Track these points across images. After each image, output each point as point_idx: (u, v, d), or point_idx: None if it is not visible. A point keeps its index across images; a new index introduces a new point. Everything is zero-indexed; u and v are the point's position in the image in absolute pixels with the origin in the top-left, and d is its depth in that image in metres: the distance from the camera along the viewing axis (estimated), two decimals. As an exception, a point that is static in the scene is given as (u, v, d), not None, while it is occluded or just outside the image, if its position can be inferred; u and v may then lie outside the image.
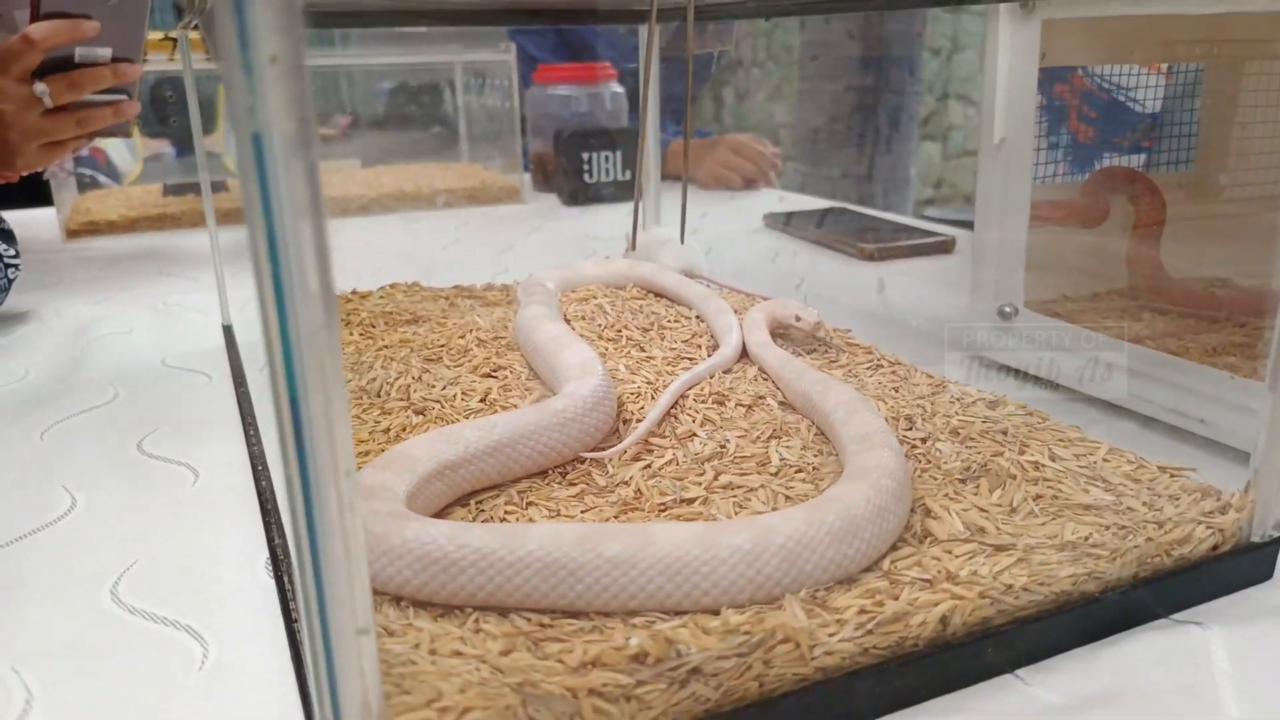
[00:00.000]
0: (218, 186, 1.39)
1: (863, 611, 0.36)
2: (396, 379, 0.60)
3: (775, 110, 3.78)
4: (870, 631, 0.35)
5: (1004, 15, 0.63)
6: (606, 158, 1.44)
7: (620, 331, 0.68)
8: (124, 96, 0.92)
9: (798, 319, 0.65)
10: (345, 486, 0.26)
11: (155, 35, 1.26)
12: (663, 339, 0.67)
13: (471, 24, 0.98)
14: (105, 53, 0.87)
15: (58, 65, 0.86)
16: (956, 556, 0.40)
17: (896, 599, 0.37)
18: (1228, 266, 0.73)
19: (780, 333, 0.67)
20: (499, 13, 0.93)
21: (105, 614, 0.43)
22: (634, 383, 0.58)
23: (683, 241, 0.90)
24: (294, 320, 0.24)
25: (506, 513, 0.45)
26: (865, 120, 2.62)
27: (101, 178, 1.70)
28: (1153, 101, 0.86)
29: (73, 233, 1.30)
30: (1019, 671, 0.38)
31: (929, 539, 0.41)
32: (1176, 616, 0.41)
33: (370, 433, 0.54)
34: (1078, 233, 0.76)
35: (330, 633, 0.27)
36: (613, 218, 1.37)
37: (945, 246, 1.09)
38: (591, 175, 1.45)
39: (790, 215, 1.29)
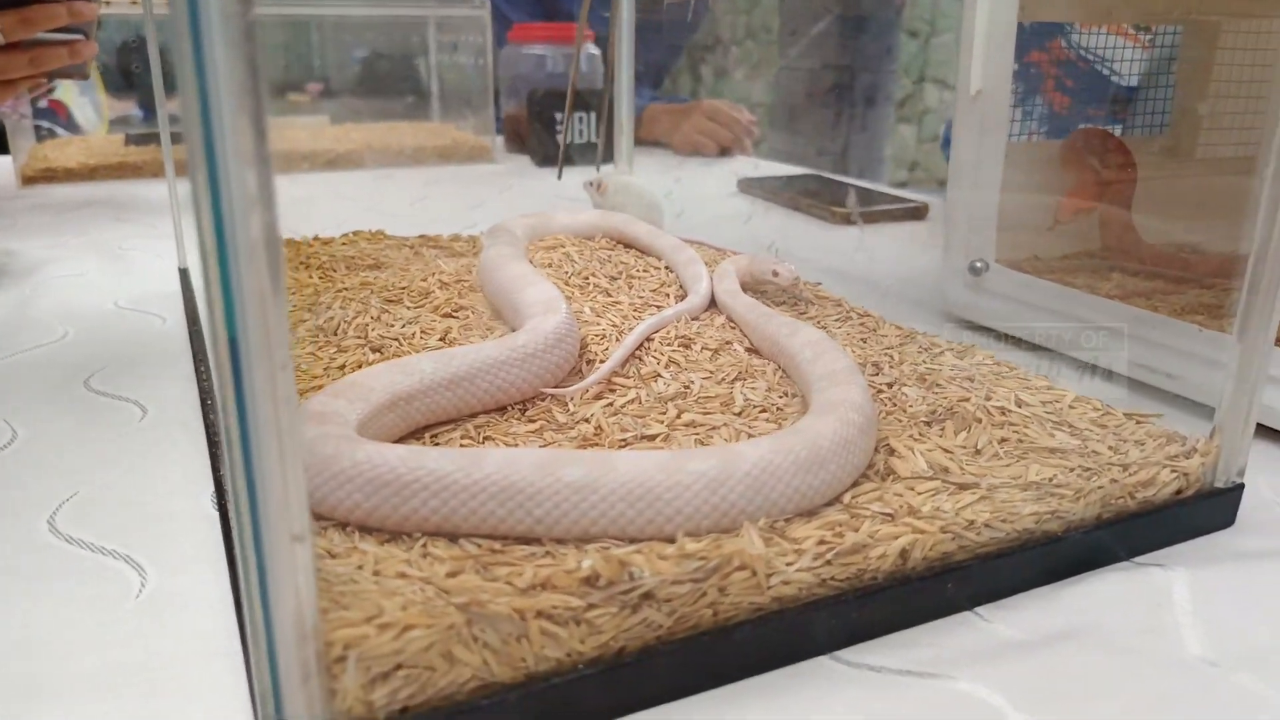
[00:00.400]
0: (180, 138, 1.36)
1: (822, 542, 0.35)
2: (354, 318, 0.58)
3: (754, 89, 3.76)
4: (829, 562, 0.35)
5: (984, -38, 0.62)
6: (580, 118, 1.41)
7: (588, 279, 0.67)
8: (80, 36, 0.89)
9: (775, 274, 0.64)
10: (282, 380, 0.24)
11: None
12: (630, 288, 0.66)
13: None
14: None
15: (10, 1, 0.83)
16: (919, 493, 0.39)
17: (856, 531, 0.36)
18: (1199, 231, 0.72)
19: (753, 287, 0.66)
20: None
21: (42, 543, 0.42)
22: (599, 325, 0.56)
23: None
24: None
25: (462, 446, 0.44)
26: (841, 98, 2.61)
27: (60, 131, 1.66)
28: (1131, 75, 0.86)
29: (29, 179, 1.27)
30: (979, 609, 0.38)
31: (892, 476, 0.40)
32: (1139, 559, 0.41)
33: (325, 369, 0.52)
34: (1054, 194, 0.75)
35: (262, 538, 0.25)
36: (583, 178, 1.35)
37: (919, 212, 1.09)
38: (567, 137, 1.42)
39: (765, 180, 1.27)
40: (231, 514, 0.26)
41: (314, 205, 1.06)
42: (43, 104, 1.60)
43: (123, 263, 0.90)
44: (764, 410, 0.47)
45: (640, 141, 1.64)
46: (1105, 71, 0.89)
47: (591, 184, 0.85)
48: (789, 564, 0.34)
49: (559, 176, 0.89)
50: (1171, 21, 0.76)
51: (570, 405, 0.47)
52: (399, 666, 0.29)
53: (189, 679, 0.33)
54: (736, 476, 0.36)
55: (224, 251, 0.23)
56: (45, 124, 1.64)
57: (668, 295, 0.64)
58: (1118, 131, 0.89)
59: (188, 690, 0.33)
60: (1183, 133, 0.78)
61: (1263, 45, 0.69)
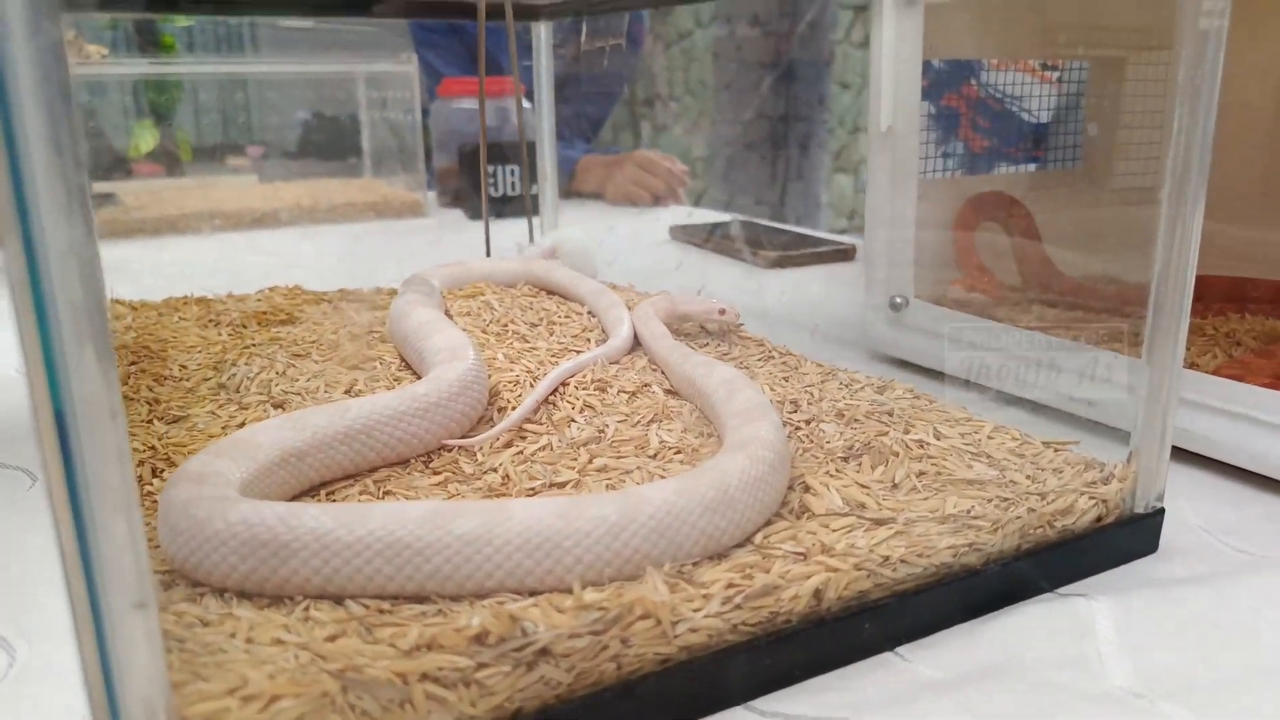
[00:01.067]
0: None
1: (730, 585, 0.33)
2: (258, 374, 0.56)
3: (692, 143, 3.82)
4: (739, 606, 0.33)
5: (888, 2, 0.63)
6: (511, 171, 1.41)
7: (506, 326, 0.65)
8: None
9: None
10: (113, 430, 0.22)
11: None
12: (550, 334, 0.64)
13: (355, 14, 0.95)
14: None
15: None
16: (833, 530, 0.37)
17: (768, 572, 0.34)
18: (1114, 262, 0.73)
19: (675, 329, 0.65)
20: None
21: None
22: (512, 371, 0.55)
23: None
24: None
25: (360, 502, 0.42)
26: (776, 147, 2.65)
27: None
28: (1042, 112, 0.88)
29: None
30: (899, 649, 0.36)
31: (806, 514, 0.39)
32: (1062, 590, 0.40)
33: (224, 427, 0.50)
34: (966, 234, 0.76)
35: (101, 609, 0.23)
36: (520, 231, 1.34)
37: (846, 254, 1.09)
38: (497, 189, 1.42)
39: (694, 226, 1.27)
40: (64, 583, 0.23)
41: (235, 263, 1.03)
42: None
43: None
44: (679, 451, 0.45)
45: (575, 193, 1.65)
46: (1016, 110, 0.91)
47: (544, 253, 0.83)
48: (696, 610, 0.32)
49: (486, 248, 0.88)
50: (1075, 58, 0.78)
51: (478, 455, 0.46)
52: (266, 742, 0.26)
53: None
54: (640, 520, 0.34)
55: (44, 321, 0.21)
56: None
57: (589, 340, 0.63)
58: (1032, 170, 0.90)
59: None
60: (1095, 165, 0.79)
61: (1162, 77, 0.70)
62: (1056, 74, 0.85)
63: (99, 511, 0.23)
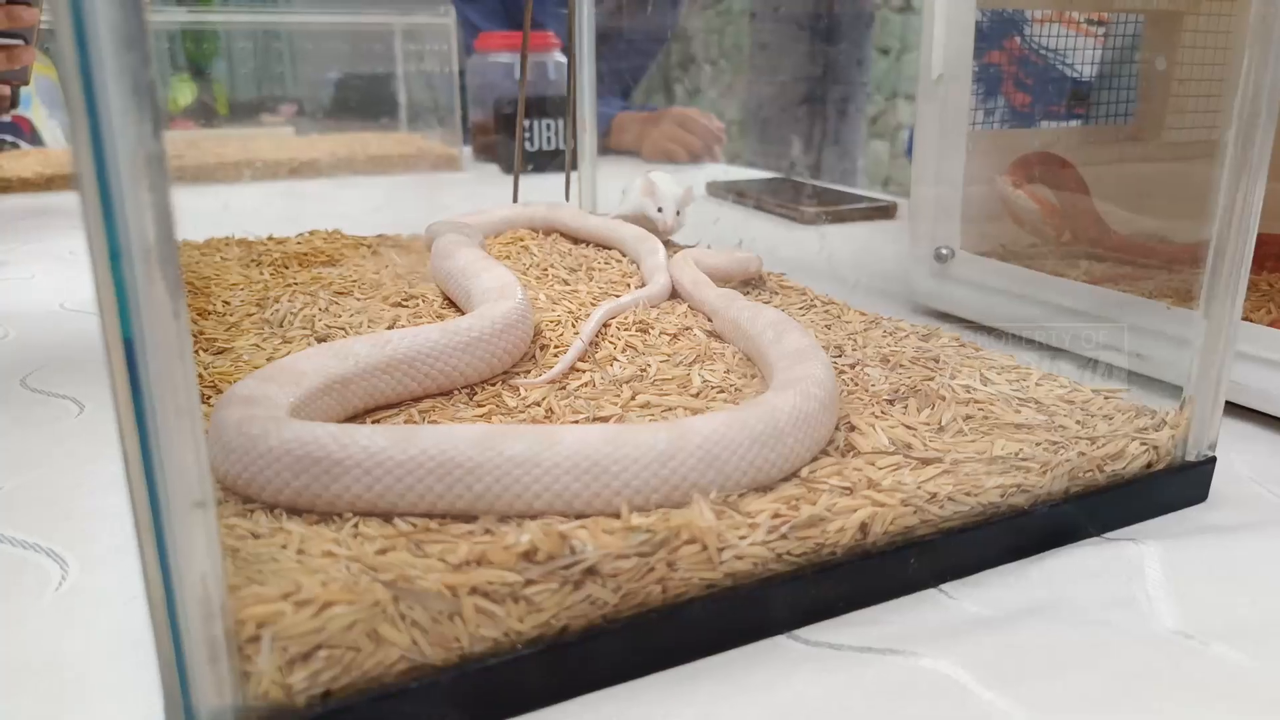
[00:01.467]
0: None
1: (776, 515, 0.33)
2: (301, 309, 0.56)
3: (726, 107, 3.78)
4: (784, 536, 0.33)
5: (943, -55, 0.61)
6: (548, 126, 1.40)
7: (546, 270, 0.65)
8: (20, 41, 0.87)
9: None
10: (176, 331, 0.22)
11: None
12: (590, 279, 0.64)
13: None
14: None
15: None
16: (880, 468, 0.37)
17: (814, 504, 0.34)
18: (1165, 217, 0.72)
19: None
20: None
21: (-44, 536, 0.39)
22: (554, 311, 0.55)
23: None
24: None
25: (405, 430, 0.42)
26: (814, 109, 2.61)
27: (23, 144, 1.64)
28: (1086, 67, 0.85)
29: (-16, 189, 1.24)
30: (944, 586, 0.36)
31: (852, 452, 0.39)
32: (1110, 534, 0.40)
33: (269, 359, 0.50)
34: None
35: (160, 505, 0.23)
36: (554, 185, 1.34)
37: (887, 211, 1.08)
38: (532, 144, 1.41)
39: (733, 183, 1.26)
40: (125, 480, 0.24)
41: (273, 209, 1.04)
42: (7, 119, 1.57)
43: (73, 268, 0.87)
44: (722, 391, 0.45)
45: (611, 150, 1.63)
46: (1065, 65, 0.89)
47: (642, 189, 0.77)
48: (742, 538, 0.32)
49: (514, 197, 0.88)
50: (1131, 10, 0.76)
51: (522, 390, 0.46)
52: (319, 647, 0.27)
53: (96, 673, 0.31)
54: (689, 449, 0.34)
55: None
56: (9, 137, 1.62)
57: (628, 285, 0.62)
58: (1075, 125, 0.88)
59: (94, 684, 0.31)
60: (1147, 120, 0.77)
61: (1223, 29, 0.68)
62: (1102, 30, 0.83)
63: (162, 411, 0.23)
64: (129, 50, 0.20)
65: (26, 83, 0.95)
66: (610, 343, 0.51)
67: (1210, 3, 0.70)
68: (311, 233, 0.82)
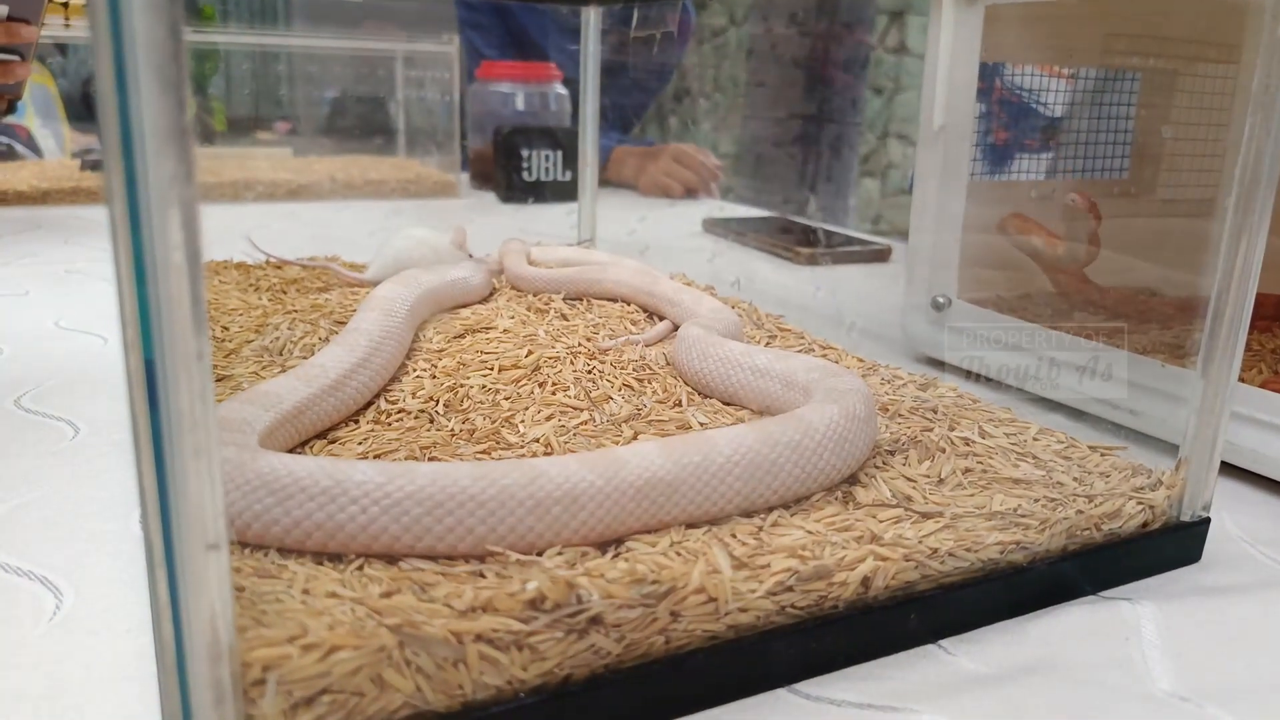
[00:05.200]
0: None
1: (784, 570, 0.33)
2: (301, 338, 0.56)
3: (721, 140, 3.81)
4: (790, 588, 0.33)
5: (947, 1, 0.62)
6: (547, 156, 1.41)
7: (549, 303, 0.65)
8: (15, 57, 0.87)
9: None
10: (198, 372, 0.23)
11: None
12: (589, 312, 0.64)
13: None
14: (1, 10, 0.82)
15: None
16: (881, 520, 0.37)
17: (819, 556, 0.34)
18: (1160, 273, 0.73)
19: None
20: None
21: (-52, 561, 0.39)
22: (554, 349, 0.55)
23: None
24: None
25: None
26: (807, 147, 2.64)
27: (19, 148, 1.64)
28: (1091, 119, 0.87)
29: (-23, 202, 1.23)
30: (942, 641, 0.36)
31: (853, 503, 0.39)
32: (1106, 593, 0.40)
33: (268, 388, 0.50)
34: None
35: (174, 546, 0.23)
36: (550, 215, 1.35)
37: (882, 255, 1.09)
38: (530, 173, 1.42)
39: (729, 220, 1.27)
40: (142, 523, 0.24)
41: (271, 232, 1.04)
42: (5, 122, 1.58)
43: (68, 284, 0.87)
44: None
45: (607, 183, 1.64)
46: (1057, 114, 0.90)
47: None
48: (751, 591, 0.32)
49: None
50: (1131, 68, 0.77)
51: (520, 427, 0.46)
52: (324, 691, 0.26)
53: (95, 705, 0.31)
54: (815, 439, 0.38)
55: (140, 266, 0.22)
56: (4, 139, 1.61)
57: (634, 322, 0.63)
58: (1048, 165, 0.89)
59: (93, 715, 0.30)
60: (1142, 175, 0.78)
61: (1218, 90, 0.70)
62: (1092, 80, 0.84)
63: (180, 453, 0.23)
64: (164, 88, 0.21)
65: (19, 97, 0.96)
66: (608, 381, 0.51)
67: (1204, 64, 0.72)
68: (311, 258, 0.82)
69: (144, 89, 0.21)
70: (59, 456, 0.50)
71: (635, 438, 0.44)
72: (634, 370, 0.53)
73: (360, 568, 0.33)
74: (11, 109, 1.15)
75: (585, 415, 0.47)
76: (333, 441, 0.44)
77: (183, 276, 0.22)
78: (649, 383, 0.52)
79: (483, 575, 0.32)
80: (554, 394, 0.49)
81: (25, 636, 0.34)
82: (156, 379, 0.22)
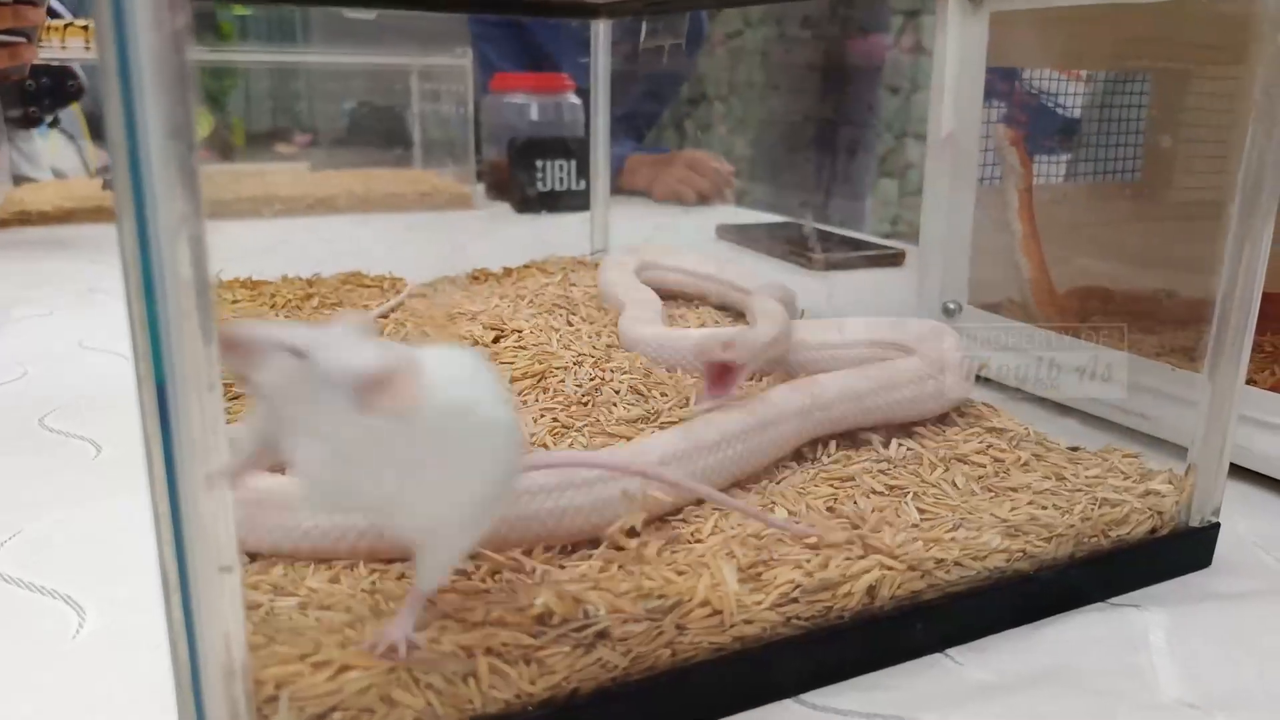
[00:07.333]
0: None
1: (788, 582, 0.34)
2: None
3: (736, 143, 3.81)
4: (795, 600, 0.33)
5: (952, 6, 0.63)
6: (561, 166, 1.42)
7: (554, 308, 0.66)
8: (22, 39, 0.89)
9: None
10: (209, 400, 0.23)
11: (79, 22, 1.22)
12: (593, 320, 0.65)
13: (419, 8, 0.96)
14: None
15: None
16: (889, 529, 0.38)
17: (825, 567, 0.35)
18: (1170, 276, 0.72)
19: None
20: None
21: (-24, 581, 0.40)
22: (563, 358, 0.56)
23: None
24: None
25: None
26: (823, 151, 2.64)
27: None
28: (1102, 121, 0.86)
29: (3, 222, 1.25)
30: (950, 650, 0.36)
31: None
32: (1114, 600, 0.40)
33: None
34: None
35: (188, 571, 0.24)
36: (565, 225, 1.35)
37: (896, 259, 1.09)
38: (545, 183, 1.43)
39: (743, 227, 1.28)
40: (156, 545, 0.24)
41: (288, 248, 1.05)
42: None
43: (92, 303, 0.89)
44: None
45: (622, 191, 1.65)
46: (1071, 116, 0.90)
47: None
48: (757, 603, 0.33)
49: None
50: (1139, 68, 0.77)
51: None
52: (335, 709, 0.27)
53: (117, 723, 0.32)
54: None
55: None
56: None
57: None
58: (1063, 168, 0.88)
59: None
60: (1155, 178, 0.78)
61: (1228, 92, 0.69)
62: (1103, 82, 0.84)
63: (193, 478, 0.23)
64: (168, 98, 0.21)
65: (26, 78, 0.98)
66: (613, 389, 0.52)
67: (1216, 66, 0.72)
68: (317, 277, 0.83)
69: (154, 142, 0.21)
70: (82, 476, 0.51)
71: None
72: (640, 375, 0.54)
73: (374, 583, 0.33)
74: (35, 122, 1.17)
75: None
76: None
77: (192, 308, 0.23)
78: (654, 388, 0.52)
79: (488, 591, 0.33)
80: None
81: (48, 655, 0.35)
82: (168, 405, 0.23)
